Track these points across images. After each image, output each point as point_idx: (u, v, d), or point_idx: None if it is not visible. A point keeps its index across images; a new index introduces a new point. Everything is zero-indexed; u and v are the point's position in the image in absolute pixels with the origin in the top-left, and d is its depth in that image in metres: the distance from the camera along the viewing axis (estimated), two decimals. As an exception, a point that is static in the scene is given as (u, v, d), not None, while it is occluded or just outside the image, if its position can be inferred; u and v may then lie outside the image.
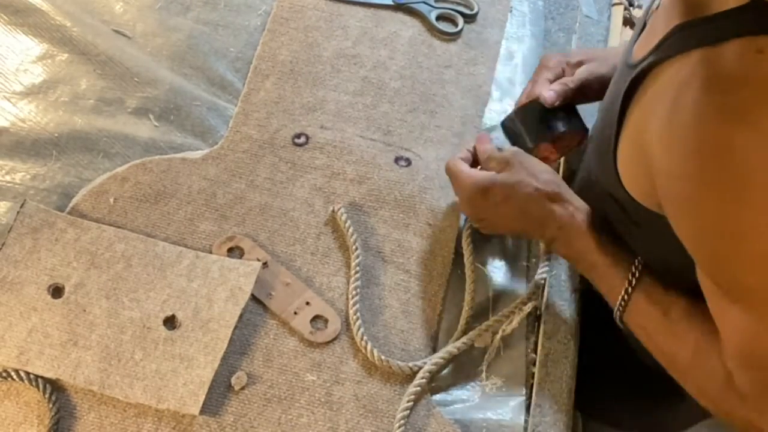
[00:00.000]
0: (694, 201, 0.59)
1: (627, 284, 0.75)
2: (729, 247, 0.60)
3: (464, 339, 0.84)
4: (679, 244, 0.65)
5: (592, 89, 0.90)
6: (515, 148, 0.87)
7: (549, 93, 0.87)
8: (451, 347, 0.83)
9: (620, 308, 0.76)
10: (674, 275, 0.69)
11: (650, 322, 0.75)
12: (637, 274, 0.75)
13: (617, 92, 0.70)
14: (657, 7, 0.71)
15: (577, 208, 0.81)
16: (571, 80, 0.89)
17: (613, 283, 0.77)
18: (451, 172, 0.88)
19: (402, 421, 0.78)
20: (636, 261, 0.76)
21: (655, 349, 0.76)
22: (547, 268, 0.89)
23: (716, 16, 0.58)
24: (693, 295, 0.69)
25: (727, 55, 0.56)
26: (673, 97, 0.59)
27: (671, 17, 0.64)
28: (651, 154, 0.63)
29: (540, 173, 0.82)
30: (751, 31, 0.55)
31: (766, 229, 0.56)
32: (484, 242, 0.93)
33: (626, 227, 0.77)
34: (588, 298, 0.89)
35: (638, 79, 0.66)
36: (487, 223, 0.87)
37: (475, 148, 0.89)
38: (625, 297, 0.76)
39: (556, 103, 0.87)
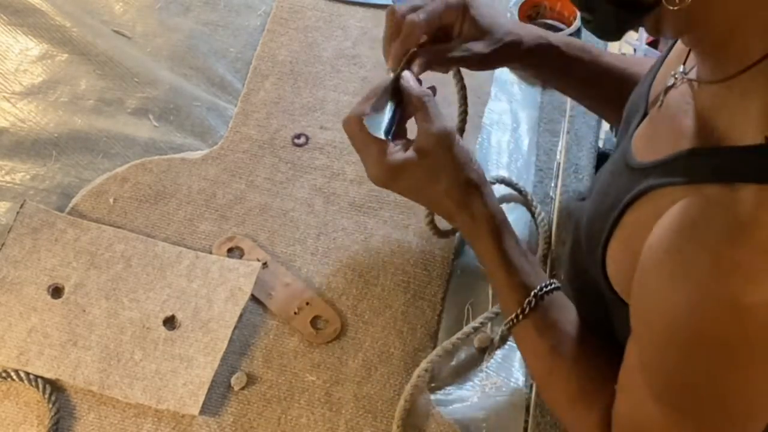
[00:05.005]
0: (687, 345, 0.57)
1: (519, 311, 0.74)
2: (701, 392, 0.58)
3: (458, 334, 0.83)
4: None
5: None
6: (445, 128, 0.78)
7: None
8: (447, 343, 0.83)
9: (509, 324, 0.75)
10: None
11: (535, 352, 0.74)
12: (532, 304, 0.73)
13: (615, 190, 0.66)
14: (660, 105, 0.67)
15: (491, 215, 0.77)
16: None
17: (507, 303, 0.76)
18: (352, 136, 0.78)
19: (401, 421, 0.78)
20: (533, 293, 0.74)
21: (534, 375, 0.79)
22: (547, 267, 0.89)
23: (732, 151, 0.55)
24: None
25: (742, 203, 0.52)
26: (680, 227, 0.56)
27: (682, 133, 0.61)
28: (642, 268, 0.61)
29: (464, 166, 0.77)
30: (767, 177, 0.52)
31: (745, 389, 0.56)
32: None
33: (606, 305, 0.72)
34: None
35: (643, 191, 0.62)
36: (395, 191, 0.81)
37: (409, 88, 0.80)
38: (515, 320, 0.74)
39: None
